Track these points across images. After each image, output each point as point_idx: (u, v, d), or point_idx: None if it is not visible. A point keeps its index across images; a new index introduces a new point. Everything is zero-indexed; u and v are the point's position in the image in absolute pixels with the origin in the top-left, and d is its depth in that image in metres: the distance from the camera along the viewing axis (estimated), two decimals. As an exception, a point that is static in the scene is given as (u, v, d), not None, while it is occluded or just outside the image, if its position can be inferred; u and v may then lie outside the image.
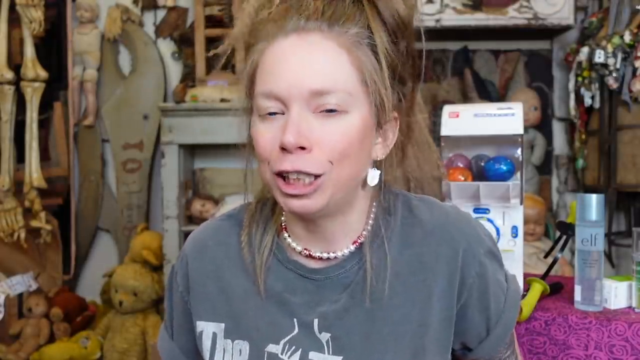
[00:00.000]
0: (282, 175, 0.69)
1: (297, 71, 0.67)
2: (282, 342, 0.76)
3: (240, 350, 0.77)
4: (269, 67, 0.70)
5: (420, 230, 0.77)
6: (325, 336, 0.75)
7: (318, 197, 0.69)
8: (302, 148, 0.67)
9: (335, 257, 0.77)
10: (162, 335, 0.89)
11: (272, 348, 0.76)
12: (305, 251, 0.78)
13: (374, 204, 0.78)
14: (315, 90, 0.67)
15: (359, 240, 0.77)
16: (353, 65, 0.69)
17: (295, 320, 0.76)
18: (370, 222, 0.78)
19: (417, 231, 0.77)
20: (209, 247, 0.82)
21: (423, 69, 0.76)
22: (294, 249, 0.78)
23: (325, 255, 0.77)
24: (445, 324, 0.76)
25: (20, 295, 2.96)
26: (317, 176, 0.68)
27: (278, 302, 0.77)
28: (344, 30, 0.68)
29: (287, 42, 0.69)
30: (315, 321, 0.76)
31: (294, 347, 0.75)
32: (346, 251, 0.77)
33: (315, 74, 0.67)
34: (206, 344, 0.80)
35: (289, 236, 0.79)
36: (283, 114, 0.69)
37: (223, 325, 0.79)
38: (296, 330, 0.76)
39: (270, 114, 0.69)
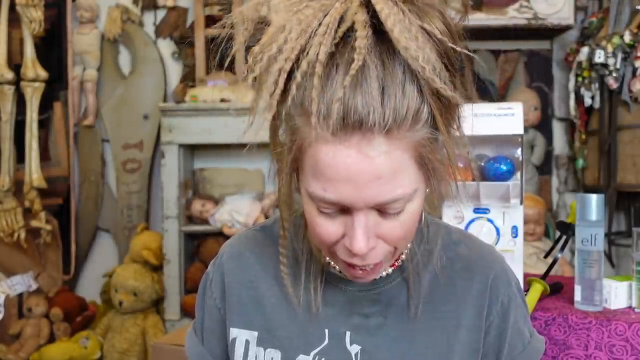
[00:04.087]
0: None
1: (361, 186, 0.61)
2: (312, 353, 0.77)
3: (272, 359, 0.78)
4: (323, 169, 0.62)
5: (457, 263, 0.79)
6: (355, 349, 0.77)
7: (378, 271, 0.71)
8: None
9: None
10: (191, 339, 0.88)
11: (302, 358, 0.77)
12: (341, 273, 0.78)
13: (416, 231, 0.78)
14: (381, 203, 0.64)
15: (397, 264, 0.78)
16: (415, 161, 0.64)
17: (326, 331, 0.77)
18: (409, 246, 0.78)
19: (453, 264, 0.79)
20: (245, 257, 0.83)
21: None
22: (329, 262, 0.78)
23: None
24: (471, 354, 0.77)
25: (20, 295, 2.96)
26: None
27: (310, 312, 0.78)
28: (412, 131, 0.61)
29: (344, 145, 0.60)
30: (347, 334, 0.77)
31: (323, 359, 0.77)
32: (383, 273, 0.78)
33: (381, 189, 0.62)
34: (239, 351, 0.80)
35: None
36: (343, 211, 0.66)
37: (256, 333, 0.80)
38: (326, 342, 0.77)
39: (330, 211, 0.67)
